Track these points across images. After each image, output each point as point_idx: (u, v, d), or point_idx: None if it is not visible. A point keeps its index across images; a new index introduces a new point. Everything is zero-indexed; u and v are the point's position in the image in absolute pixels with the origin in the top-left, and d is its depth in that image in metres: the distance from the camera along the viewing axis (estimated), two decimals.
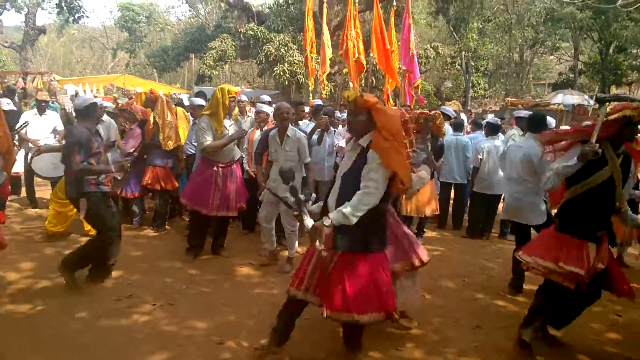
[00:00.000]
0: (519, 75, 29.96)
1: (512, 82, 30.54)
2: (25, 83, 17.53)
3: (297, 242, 5.41)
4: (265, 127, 6.02)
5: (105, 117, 6.48)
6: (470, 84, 27.65)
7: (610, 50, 24.96)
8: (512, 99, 22.51)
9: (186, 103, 8.17)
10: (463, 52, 25.84)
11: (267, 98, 7.24)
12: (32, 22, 29.11)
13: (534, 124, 4.90)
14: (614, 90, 26.16)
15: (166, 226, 6.64)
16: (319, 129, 6.05)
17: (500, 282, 5.14)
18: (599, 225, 3.45)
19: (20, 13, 31.12)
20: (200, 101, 6.56)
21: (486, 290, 4.95)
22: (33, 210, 7.38)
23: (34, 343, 3.49)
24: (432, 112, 6.59)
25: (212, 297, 4.45)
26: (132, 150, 6.49)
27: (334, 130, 6.52)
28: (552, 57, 32.06)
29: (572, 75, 27.99)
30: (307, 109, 7.14)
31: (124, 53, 41.98)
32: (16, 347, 3.44)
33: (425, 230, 6.86)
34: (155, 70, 32.02)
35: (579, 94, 20.54)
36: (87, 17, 45.74)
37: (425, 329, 3.95)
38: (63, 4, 22.03)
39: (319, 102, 7.74)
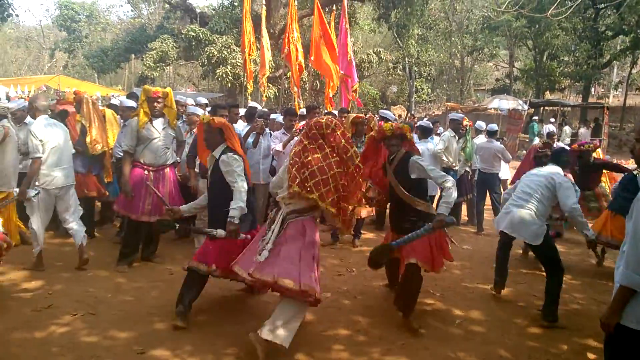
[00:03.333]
0: (461, 81, 31.03)
1: (454, 88, 31.58)
2: None
3: None
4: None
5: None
6: (414, 89, 28.36)
7: (544, 58, 26.25)
8: (452, 104, 23.27)
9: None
10: (406, 58, 26.46)
11: (203, 100, 7.11)
12: None
13: None
14: (548, 96, 27.57)
15: (95, 233, 6.37)
16: (255, 132, 6.01)
17: (430, 281, 5.23)
18: None
19: None
20: (130, 103, 6.35)
21: None
22: None
23: None
24: (367, 115, 6.71)
25: (138, 305, 4.30)
26: None
27: (270, 133, 6.48)
28: (490, 63, 33.38)
29: (508, 81, 29.26)
30: (242, 111, 7.07)
31: (62, 53, 40.30)
32: None
33: (362, 232, 6.91)
34: (94, 72, 30.92)
35: (514, 99, 21.52)
36: (17, 15, 43.44)
37: (353, 330, 3.98)
38: None
39: (255, 104, 7.69)
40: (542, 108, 23.28)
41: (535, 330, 4.20)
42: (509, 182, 8.43)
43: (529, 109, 21.03)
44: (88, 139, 5.85)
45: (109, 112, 6.54)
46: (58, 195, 5.07)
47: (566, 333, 4.14)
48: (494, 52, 29.17)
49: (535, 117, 19.78)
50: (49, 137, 4.85)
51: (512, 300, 4.89)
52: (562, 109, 22.97)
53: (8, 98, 14.83)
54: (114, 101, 8.16)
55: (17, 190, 5.01)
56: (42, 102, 5.11)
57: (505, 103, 20.61)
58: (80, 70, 36.65)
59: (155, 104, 5.10)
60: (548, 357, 3.72)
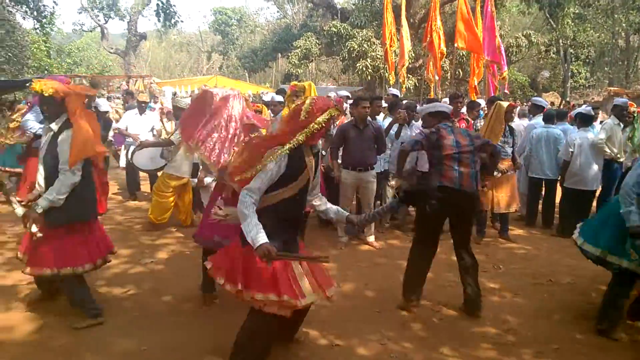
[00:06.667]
0: (626, 63, 27.55)
1: (617, 70, 28.17)
2: (128, 86, 19.04)
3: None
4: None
5: None
6: (570, 74, 25.90)
7: None
8: (615, 89, 20.74)
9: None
10: (560, 40, 24.25)
11: (345, 93, 7.30)
12: (134, 29, 31.57)
13: None
14: None
15: None
16: (397, 123, 6.02)
17: (588, 283, 4.80)
18: None
19: (123, 21, 34.04)
20: (280, 98, 6.76)
21: (571, 291, 4.65)
22: (133, 202, 7.96)
23: (119, 324, 3.75)
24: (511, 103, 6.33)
25: None
26: None
27: (413, 124, 6.42)
28: None
29: None
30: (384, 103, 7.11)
31: (217, 55, 44.18)
32: (98, 327, 3.69)
33: (511, 227, 6.52)
34: (246, 71, 33.37)
35: None
36: (182, 21, 48.44)
37: (502, 329, 3.80)
38: (160, 10, 23.65)
39: (395, 91, 7.65)
40: None
41: None
42: None
43: None
44: None
45: (266, 109, 7.06)
46: None
47: None
48: None
49: None
50: None
51: None
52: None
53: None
54: (266, 97, 8.75)
55: (193, 179, 6.02)
56: None
57: None
58: (234, 70, 39.81)
59: (294, 97, 5.45)
60: None
